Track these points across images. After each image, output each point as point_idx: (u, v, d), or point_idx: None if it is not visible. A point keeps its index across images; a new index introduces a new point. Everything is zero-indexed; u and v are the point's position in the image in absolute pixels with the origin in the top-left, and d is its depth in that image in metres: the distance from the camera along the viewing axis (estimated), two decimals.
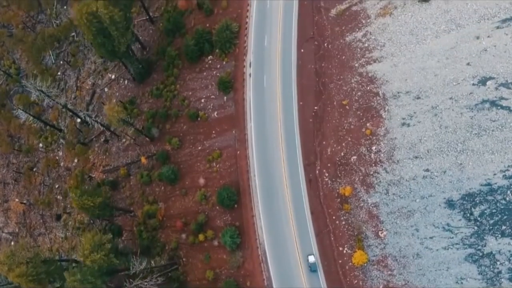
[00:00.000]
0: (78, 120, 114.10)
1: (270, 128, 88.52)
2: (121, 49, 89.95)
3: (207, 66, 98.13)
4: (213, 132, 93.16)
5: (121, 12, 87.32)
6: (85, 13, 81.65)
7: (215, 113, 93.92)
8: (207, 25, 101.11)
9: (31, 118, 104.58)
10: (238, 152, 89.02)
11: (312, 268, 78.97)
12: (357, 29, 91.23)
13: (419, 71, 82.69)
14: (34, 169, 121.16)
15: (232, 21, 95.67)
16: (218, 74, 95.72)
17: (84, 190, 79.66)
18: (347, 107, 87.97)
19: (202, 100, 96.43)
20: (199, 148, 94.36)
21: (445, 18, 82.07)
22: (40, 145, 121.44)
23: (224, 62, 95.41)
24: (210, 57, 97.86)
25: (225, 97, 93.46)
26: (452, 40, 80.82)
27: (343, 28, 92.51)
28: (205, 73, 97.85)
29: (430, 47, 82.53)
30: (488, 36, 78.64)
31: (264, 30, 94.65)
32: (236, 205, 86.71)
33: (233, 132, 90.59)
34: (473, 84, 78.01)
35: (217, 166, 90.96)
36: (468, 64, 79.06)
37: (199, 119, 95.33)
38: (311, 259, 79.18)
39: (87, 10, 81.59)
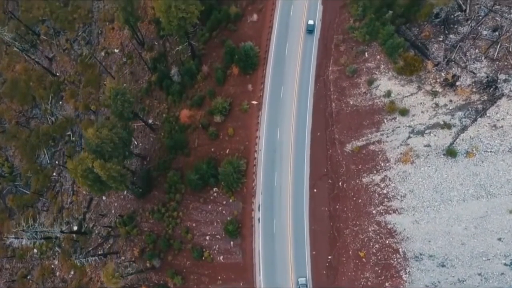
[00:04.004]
0: (75, 227, 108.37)
1: (281, 283, 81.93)
2: (118, 191, 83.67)
3: (212, 198, 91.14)
4: (219, 278, 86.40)
5: (118, 158, 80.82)
6: (80, 170, 74.96)
7: (221, 257, 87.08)
8: (212, 149, 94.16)
9: (24, 241, 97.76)
10: None
11: None
12: (375, 171, 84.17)
13: (444, 235, 75.58)
14: (28, 277, 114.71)
15: (239, 155, 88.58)
16: (224, 212, 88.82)
17: None
18: (364, 259, 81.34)
19: (207, 238, 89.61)
20: None
21: (473, 181, 74.61)
22: (35, 250, 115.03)
23: (231, 200, 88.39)
24: (215, 189, 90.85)
25: (231, 242, 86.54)
26: (482, 208, 73.41)
27: (360, 167, 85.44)
28: (209, 206, 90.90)
29: (457, 210, 75.22)
30: None
31: (274, 167, 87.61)
32: None
33: (241, 284, 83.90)
34: (505, 264, 70.81)
35: None
36: (499, 239, 71.77)
37: (203, 258, 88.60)
38: None
39: (82, 167, 74.89)
